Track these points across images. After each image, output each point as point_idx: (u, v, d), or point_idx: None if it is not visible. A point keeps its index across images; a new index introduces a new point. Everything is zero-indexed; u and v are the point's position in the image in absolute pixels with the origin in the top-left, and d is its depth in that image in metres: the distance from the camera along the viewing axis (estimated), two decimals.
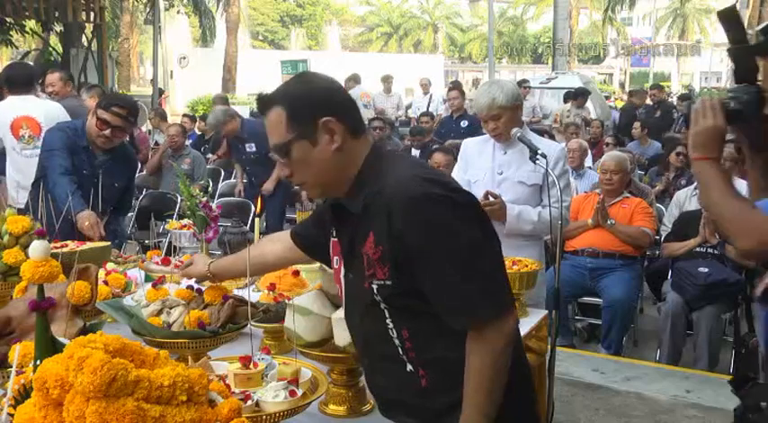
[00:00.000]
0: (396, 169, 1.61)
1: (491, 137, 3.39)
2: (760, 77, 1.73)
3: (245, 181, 7.11)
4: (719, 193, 1.71)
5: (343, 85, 8.08)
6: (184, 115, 9.14)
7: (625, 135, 9.76)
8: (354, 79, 12.61)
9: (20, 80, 4.70)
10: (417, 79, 14.88)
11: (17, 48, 15.94)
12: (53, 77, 5.62)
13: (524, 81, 12.33)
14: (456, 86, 9.74)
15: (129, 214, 7.23)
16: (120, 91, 15.54)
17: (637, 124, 9.32)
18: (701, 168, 1.76)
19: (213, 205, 3.29)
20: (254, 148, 6.63)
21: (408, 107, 13.92)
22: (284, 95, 1.63)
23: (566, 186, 3.34)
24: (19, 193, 4.43)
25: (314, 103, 1.61)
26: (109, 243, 2.88)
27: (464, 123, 8.56)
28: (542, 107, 12.78)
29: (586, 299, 5.23)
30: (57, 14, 10.51)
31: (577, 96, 11.50)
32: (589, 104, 11.77)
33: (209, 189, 3.55)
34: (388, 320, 1.64)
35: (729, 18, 1.78)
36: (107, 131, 3.58)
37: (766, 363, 1.95)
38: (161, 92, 16.04)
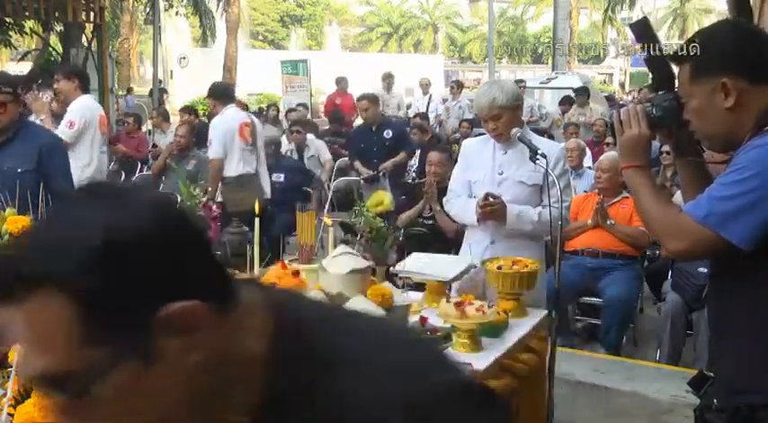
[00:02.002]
0: None
1: (491, 137, 3.39)
2: (677, 84, 1.82)
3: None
4: (647, 199, 1.80)
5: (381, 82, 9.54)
6: (182, 110, 9.08)
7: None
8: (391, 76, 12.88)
9: None
10: (417, 79, 14.89)
11: (17, 48, 15.93)
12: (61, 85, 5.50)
13: (520, 81, 12.32)
14: (366, 97, 7.43)
15: None
16: (121, 91, 15.52)
17: None
18: (630, 176, 1.84)
19: (213, 205, 3.30)
20: (281, 179, 6.83)
21: (408, 107, 13.92)
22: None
23: (566, 186, 3.34)
24: None
25: None
26: None
27: (388, 134, 7.16)
28: (541, 107, 12.78)
29: (586, 299, 5.23)
30: (57, 14, 10.50)
31: (578, 96, 11.46)
32: (595, 105, 11.72)
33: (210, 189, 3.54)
34: None
35: (642, 29, 1.91)
36: None
37: (714, 350, 1.99)
38: (163, 91, 16.06)
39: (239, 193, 5.66)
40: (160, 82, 17.83)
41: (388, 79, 13.27)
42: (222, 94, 6.11)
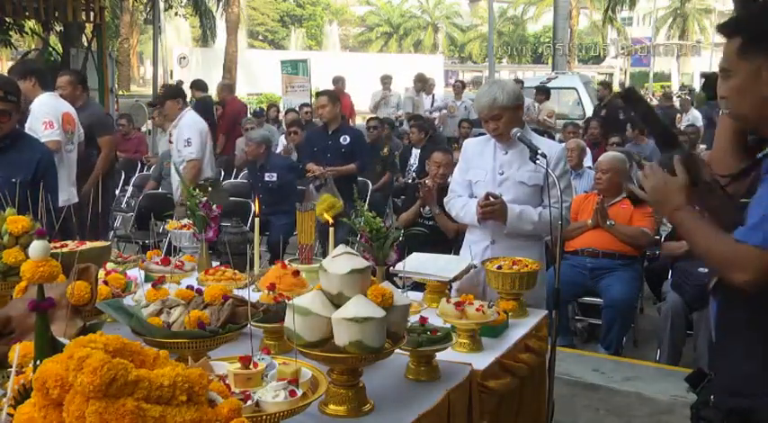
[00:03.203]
0: None
1: (492, 137, 3.39)
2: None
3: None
4: (703, 237, 1.76)
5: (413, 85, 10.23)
6: None
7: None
8: (421, 80, 12.98)
9: None
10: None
11: (17, 48, 15.93)
12: (63, 80, 5.59)
13: (518, 81, 12.34)
14: (325, 93, 6.81)
15: (130, 214, 7.25)
16: (121, 91, 15.51)
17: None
18: (681, 220, 1.81)
19: (213, 205, 3.30)
20: (274, 178, 6.70)
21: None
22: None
23: (566, 187, 3.34)
24: None
25: None
26: (109, 243, 2.88)
27: (345, 139, 6.34)
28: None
29: (586, 299, 5.23)
30: (57, 14, 10.50)
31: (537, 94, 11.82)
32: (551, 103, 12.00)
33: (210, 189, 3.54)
34: None
35: (631, 98, 2.00)
36: None
37: (714, 350, 1.97)
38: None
39: (214, 194, 5.51)
40: (154, 81, 17.83)
41: (385, 81, 13.30)
42: (180, 93, 6.02)
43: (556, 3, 19.66)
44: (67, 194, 4.96)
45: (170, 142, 5.87)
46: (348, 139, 6.34)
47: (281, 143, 9.16)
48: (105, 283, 2.44)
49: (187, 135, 5.69)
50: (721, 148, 1.99)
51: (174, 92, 6.01)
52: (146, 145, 9.78)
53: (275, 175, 6.73)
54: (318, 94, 6.93)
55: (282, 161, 7.45)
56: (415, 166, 8.42)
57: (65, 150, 5.05)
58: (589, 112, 12.67)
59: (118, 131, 9.83)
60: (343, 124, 6.62)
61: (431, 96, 13.43)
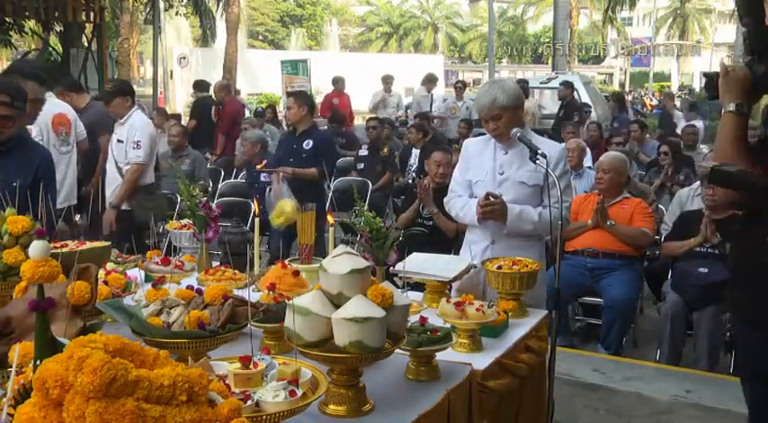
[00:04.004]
0: None
1: (492, 137, 3.39)
2: None
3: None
4: (726, 140, 2.14)
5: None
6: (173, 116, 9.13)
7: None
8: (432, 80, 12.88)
9: None
10: (417, 79, 14.89)
11: (17, 48, 15.93)
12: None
13: (522, 81, 12.32)
14: (293, 94, 6.58)
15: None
16: None
17: (635, 126, 9.49)
18: (726, 120, 2.15)
19: (213, 205, 3.29)
20: (269, 178, 6.48)
21: (408, 107, 13.92)
22: None
23: (566, 187, 3.34)
24: None
25: None
26: (109, 243, 2.87)
27: (308, 144, 5.98)
28: (541, 107, 12.80)
29: (586, 299, 5.23)
30: (57, 14, 10.51)
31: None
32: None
33: (210, 189, 3.53)
34: None
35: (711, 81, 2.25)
36: None
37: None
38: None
39: (153, 201, 5.34)
40: (154, 81, 17.87)
41: (387, 81, 13.29)
42: (129, 91, 5.61)
43: (556, 3, 19.67)
44: (64, 196, 4.95)
45: (118, 141, 5.46)
46: (311, 144, 5.99)
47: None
48: (105, 283, 2.44)
49: (138, 138, 5.36)
50: (725, 153, 2.14)
51: (122, 89, 5.56)
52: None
53: (269, 175, 6.69)
54: (289, 95, 6.73)
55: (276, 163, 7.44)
56: (414, 166, 8.42)
57: (58, 152, 4.99)
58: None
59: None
60: (313, 128, 6.25)
61: (429, 96, 13.43)
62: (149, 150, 5.38)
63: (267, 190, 6.25)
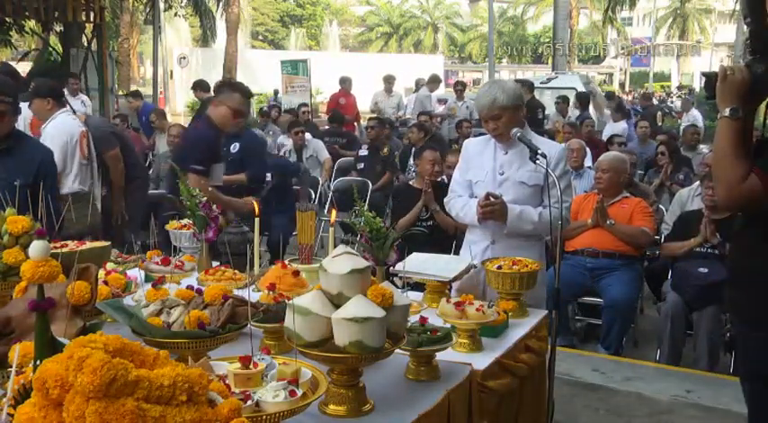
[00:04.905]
0: None
1: (492, 137, 3.39)
2: None
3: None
4: (723, 147, 2.12)
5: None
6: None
7: None
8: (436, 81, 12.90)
9: None
10: (417, 79, 14.88)
11: (17, 48, 15.92)
12: (35, 105, 5.14)
13: (525, 81, 12.29)
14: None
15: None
16: (121, 91, 15.50)
17: (643, 123, 9.51)
18: (721, 125, 2.14)
19: (213, 205, 3.29)
20: (268, 178, 6.27)
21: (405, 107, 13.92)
22: None
23: (566, 187, 3.34)
24: None
25: None
26: (109, 243, 2.87)
27: (234, 147, 5.51)
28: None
29: (586, 299, 5.23)
30: (57, 14, 10.51)
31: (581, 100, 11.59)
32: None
33: None
34: None
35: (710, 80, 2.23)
36: None
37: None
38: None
39: (69, 213, 5.06)
40: (154, 81, 17.88)
41: (388, 81, 13.25)
42: (54, 92, 5.15)
43: (556, 3, 19.68)
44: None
45: None
46: (237, 147, 5.52)
47: (283, 143, 9.14)
48: (105, 283, 2.44)
49: (48, 145, 4.78)
50: (724, 153, 2.12)
51: (42, 90, 5.07)
52: (141, 144, 9.76)
53: (270, 174, 6.68)
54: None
55: (277, 161, 7.45)
56: (414, 166, 8.42)
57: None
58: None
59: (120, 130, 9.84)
60: (242, 131, 5.57)
61: (431, 96, 13.42)
62: (61, 159, 4.76)
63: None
